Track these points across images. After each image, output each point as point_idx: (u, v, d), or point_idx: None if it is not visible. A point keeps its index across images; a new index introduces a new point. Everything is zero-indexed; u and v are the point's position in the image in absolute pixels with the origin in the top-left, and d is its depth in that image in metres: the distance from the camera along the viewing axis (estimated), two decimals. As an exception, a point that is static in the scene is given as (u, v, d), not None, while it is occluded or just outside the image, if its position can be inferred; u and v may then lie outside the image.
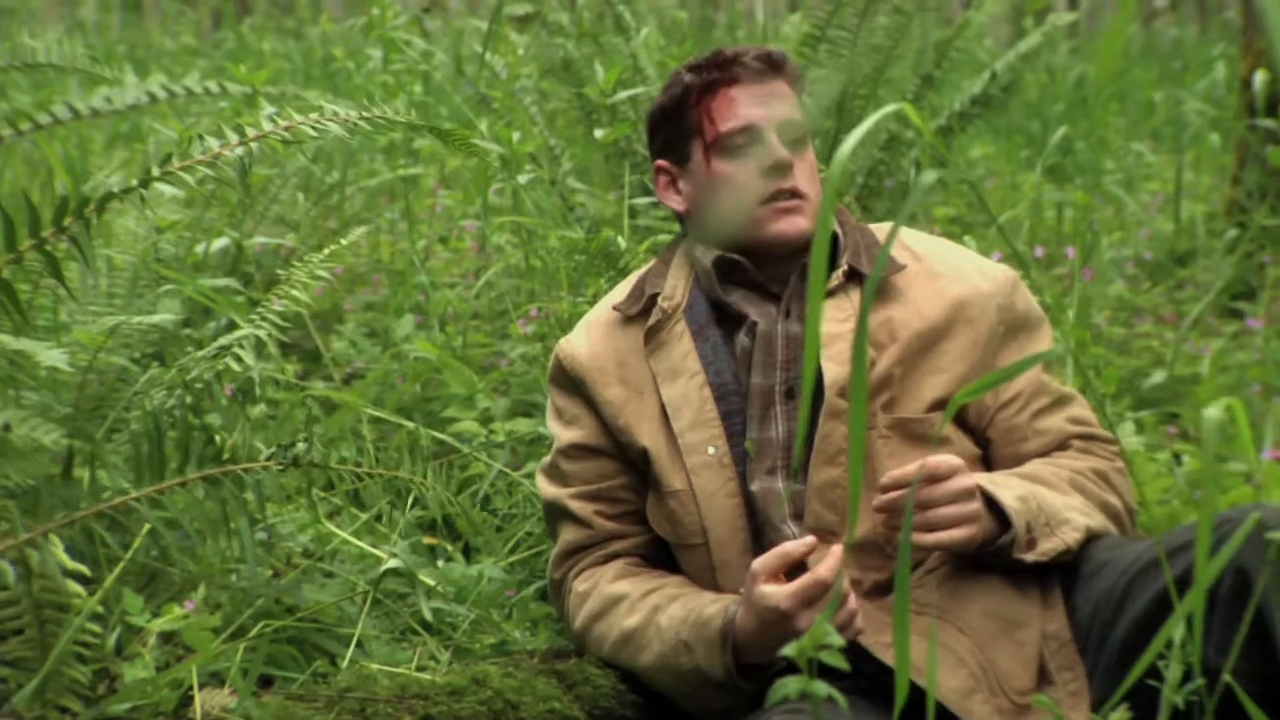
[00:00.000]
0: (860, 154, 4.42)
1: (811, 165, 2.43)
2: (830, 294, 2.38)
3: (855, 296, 2.38)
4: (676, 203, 2.50)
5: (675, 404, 2.39)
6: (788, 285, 2.41)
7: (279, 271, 2.78)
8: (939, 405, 2.32)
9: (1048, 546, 2.19)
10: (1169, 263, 4.79)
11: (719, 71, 2.42)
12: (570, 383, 2.51)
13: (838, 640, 1.37)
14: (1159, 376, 3.64)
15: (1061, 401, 2.40)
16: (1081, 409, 2.42)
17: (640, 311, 2.47)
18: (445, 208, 4.78)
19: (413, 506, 3.06)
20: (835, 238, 2.46)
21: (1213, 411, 1.18)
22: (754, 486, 2.34)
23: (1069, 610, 2.24)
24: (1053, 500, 2.22)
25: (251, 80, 3.33)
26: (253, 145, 2.09)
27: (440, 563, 2.89)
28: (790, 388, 2.36)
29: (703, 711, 2.36)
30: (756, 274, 2.42)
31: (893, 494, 2.15)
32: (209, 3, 11.18)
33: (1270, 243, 4.48)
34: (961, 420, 2.38)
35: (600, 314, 2.54)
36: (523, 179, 3.66)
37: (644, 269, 2.55)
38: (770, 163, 2.36)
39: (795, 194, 2.38)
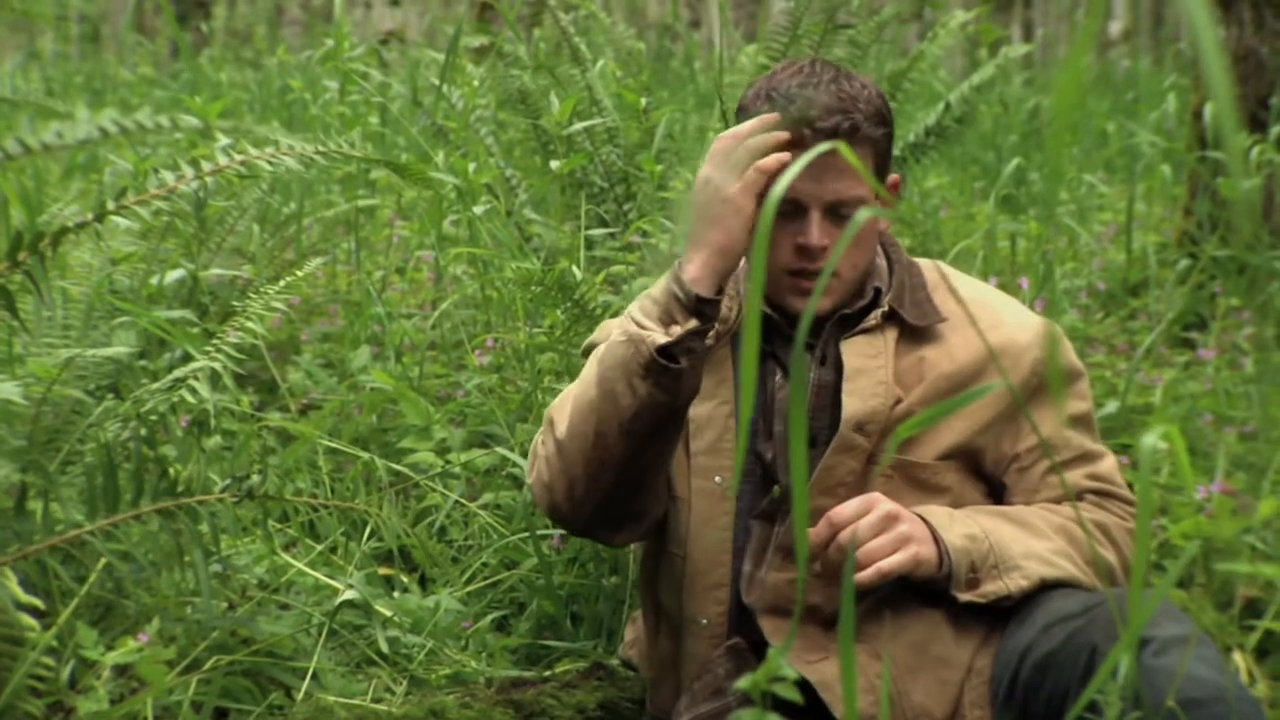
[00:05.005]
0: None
1: (857, 237, 2.27)
2: (866, 331, 2.32)
3: (890, 336, 2.32)
4: None
5: (699, 422, 2.35)
6: (823, 332, 2.34)
7: (235, 303, 2.78)
8: (952, 453, 2.29)
9: (990, 588, 2.18)
10: (1121, 293, 4.83)
11: (790, 127, 2.21)
12: None
13: (791, 674, 1.38)
14: (1112, 406, 3.66)
15: (1084, 458, 2.35)
16: (1106, 467, 2.36)
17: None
18: (402, 238, 4.79)
19: (369, 538, 3.05)
20: (879, 271, 2.37)
21: (1151, 439, 1.19)
22: (779, 528, 2.31)
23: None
24: (1010, 545, 2.20)
25: (206, 113, 3.33)
26: (208, 179, 2.09)
27: (396, 594, 2.88)
28: (814, 436, 2.31)
29: (619, 423, 2.23)
30: (787, 329, 2.33)
31: (820, 541, 2.16)
32: (166, 34, 11.16)
33: (1221, 273, 4.52)
34: (976, 467, 2.33)
35: None
36: (479, 210, 3.67)
37: None
38: (800, 242, 2.24)
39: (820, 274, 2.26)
